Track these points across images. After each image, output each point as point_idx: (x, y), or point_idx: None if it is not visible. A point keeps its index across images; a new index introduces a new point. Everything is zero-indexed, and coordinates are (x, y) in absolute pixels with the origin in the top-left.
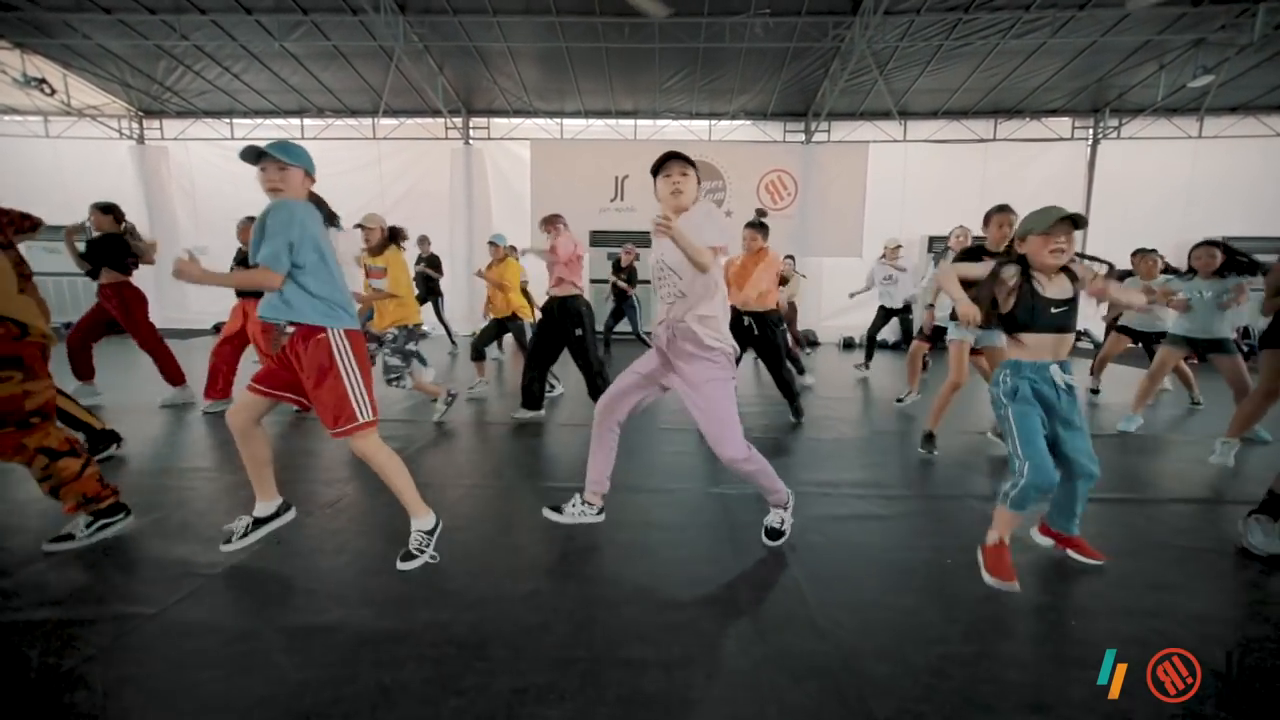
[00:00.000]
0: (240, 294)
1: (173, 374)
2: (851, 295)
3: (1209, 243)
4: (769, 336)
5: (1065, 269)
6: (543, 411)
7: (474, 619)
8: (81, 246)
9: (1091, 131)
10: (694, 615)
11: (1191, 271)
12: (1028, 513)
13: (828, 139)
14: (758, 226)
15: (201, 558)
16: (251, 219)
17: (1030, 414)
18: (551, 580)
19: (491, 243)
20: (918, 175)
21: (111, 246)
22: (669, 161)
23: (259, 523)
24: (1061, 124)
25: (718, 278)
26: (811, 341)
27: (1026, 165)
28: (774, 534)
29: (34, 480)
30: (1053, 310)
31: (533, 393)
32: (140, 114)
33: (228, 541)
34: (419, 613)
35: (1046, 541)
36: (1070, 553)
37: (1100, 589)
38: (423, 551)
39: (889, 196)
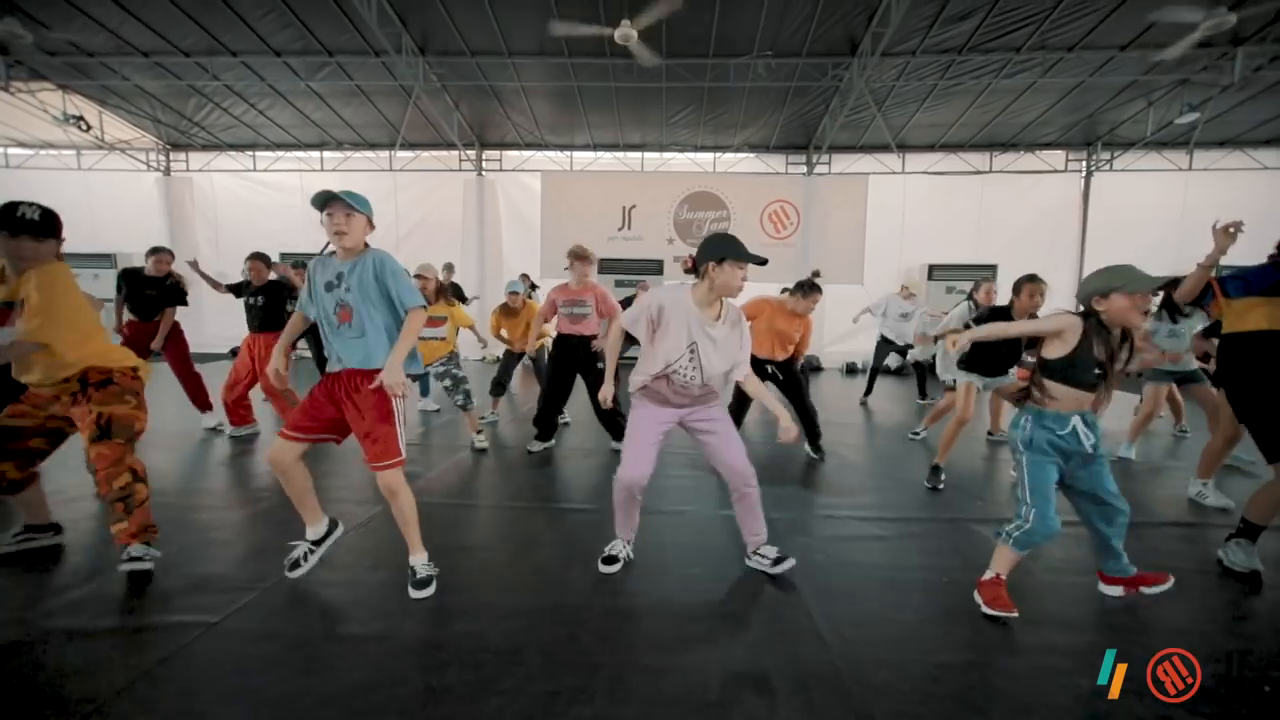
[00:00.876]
0: (258, 329)
1: (202, 401)
2: (855, 320)
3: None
4: (794, 374)
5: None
6: (554, 442)
7: (507, 629)
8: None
9: (1085, 164)
10: (709, 627)
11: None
12: (1026, 554)
13: (829, 171)
14: (813, 289)
15: (250, 573)
16: (259, 254)
17: (1045, 465)
18: (575, 595)
19: (513, 293)
20: (916, 206)
21: (172, 290)
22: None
23: (316, 544)
24: (1056, 156)
25: None
26: (814, 368)
27: (1022, 196)
28: (778, 561)
29: (102, 496)
30: (1095, 371)
31: (550, 425)
32: (168, 147)
33: (295, 567)
34: (455, 624)
35: (1115, 590)
36: (1142, 589)
37: (1089, 606)
38: (432, 579)
39: (888, 226)
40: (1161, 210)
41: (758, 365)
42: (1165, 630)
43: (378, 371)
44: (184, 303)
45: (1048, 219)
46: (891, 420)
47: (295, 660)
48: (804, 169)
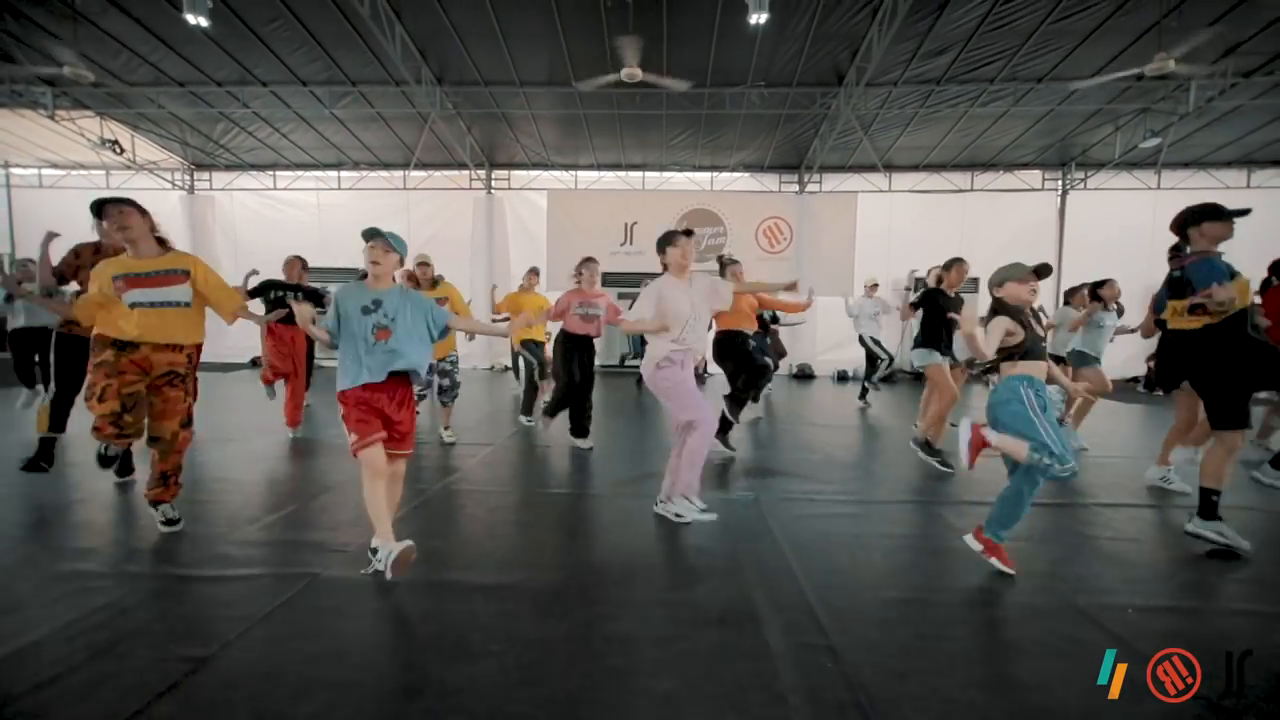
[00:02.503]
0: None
1: None
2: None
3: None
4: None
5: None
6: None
7: (550, 577)
8: None
9: (1060, 183)
10: (708, 576)
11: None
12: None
13: (819, 189)
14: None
15: (342, 537)
16: (298, 257)
17: (1032, 411)
18: (598, 554)
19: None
20: (902, 222)
21: None
22: (689, 236)
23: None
24: (1033, 176)
25: None
26: (807, 375)
27: (1002, 213)
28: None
29: (166, 470)
30: (1041, 344)
31: (584, 418)
32: (192, 167)
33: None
34: (511, 573)
35: (978, 546)
36: (994, 560)
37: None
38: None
39: (876, 241)
40: (1133, 227)
41: (736, 336)
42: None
43: (404, 386)
44: None
45: (1026, 235)
46: (880, 424)
47: (390, 600)
48: (796, 187)
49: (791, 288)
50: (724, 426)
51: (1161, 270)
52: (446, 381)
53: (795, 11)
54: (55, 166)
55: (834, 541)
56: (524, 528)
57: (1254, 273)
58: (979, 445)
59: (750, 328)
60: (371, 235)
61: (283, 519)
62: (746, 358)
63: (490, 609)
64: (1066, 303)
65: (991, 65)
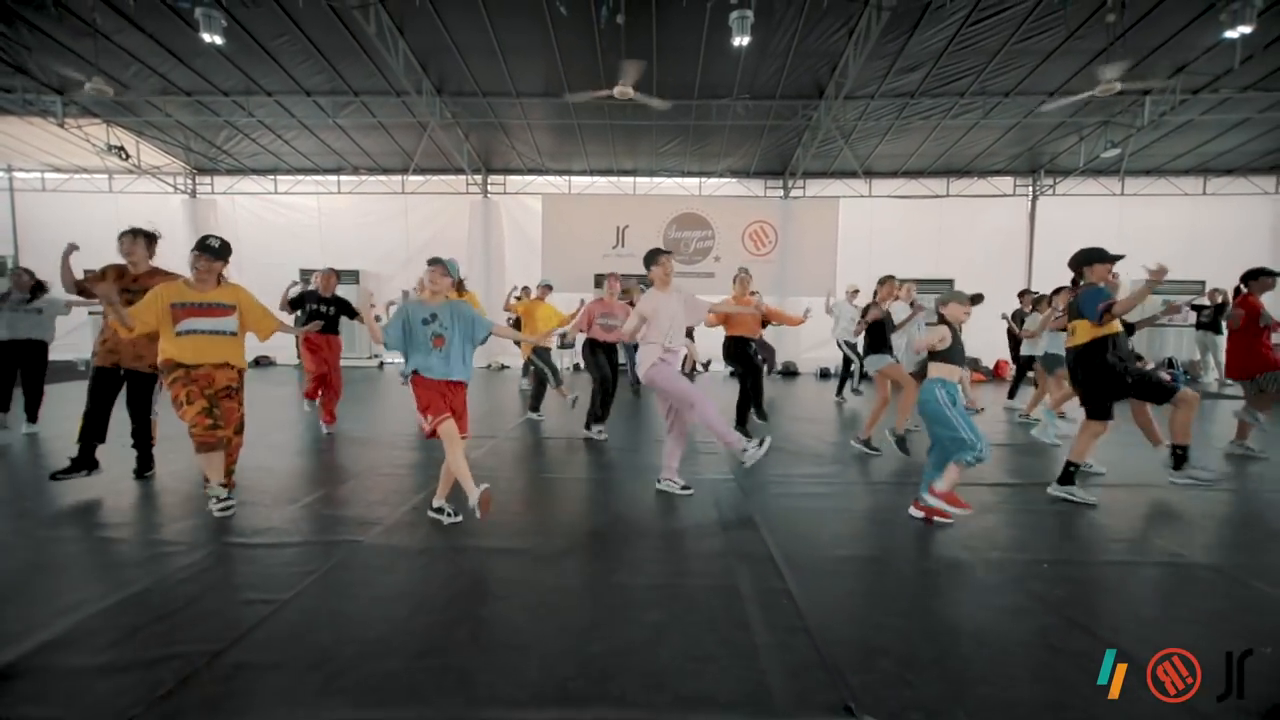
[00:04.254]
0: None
1: None
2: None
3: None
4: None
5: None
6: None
7: (558, 542)
8: None
9: (1031, 189)
10: (695, 542)
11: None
12: (974, 464)
13: (803, 194)
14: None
15: (377, 513)
16: (332, 270)
17: (954, 411)
18: (599, 523)
19: (546, 286)
20: (883, 226)
21: None
22: (668, 255)
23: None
24: (1005, 182)
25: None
26: (791, 372)
27: (976, 217)
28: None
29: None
30: (961, 353)
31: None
32: (194, 171)
33: (446, 515)
34: (522, 540)
35: (920, 514)
36: (936, 518)
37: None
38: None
39: (858, 243)
40: (1099, 230)
41: (744, 343)
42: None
43: (463, 383)
44: None
45: (999, 238)
46: (857, 418)
47: (424, 558)
48: (781, 193)
49: (803, 321)
50: (741, 419)
51: (1125, 273)
52: None
53: (776, 31)
54: (58, 170)
55: (802, 515)
56: (533, 505)
57: (1203, 274)
58: (933, 513)
59: (755, 334)
60: (435, 262)
61: (321, 499)
62: (749, 360)
63: (510, 566)
64: (1034, 310)
65: (962, 80)
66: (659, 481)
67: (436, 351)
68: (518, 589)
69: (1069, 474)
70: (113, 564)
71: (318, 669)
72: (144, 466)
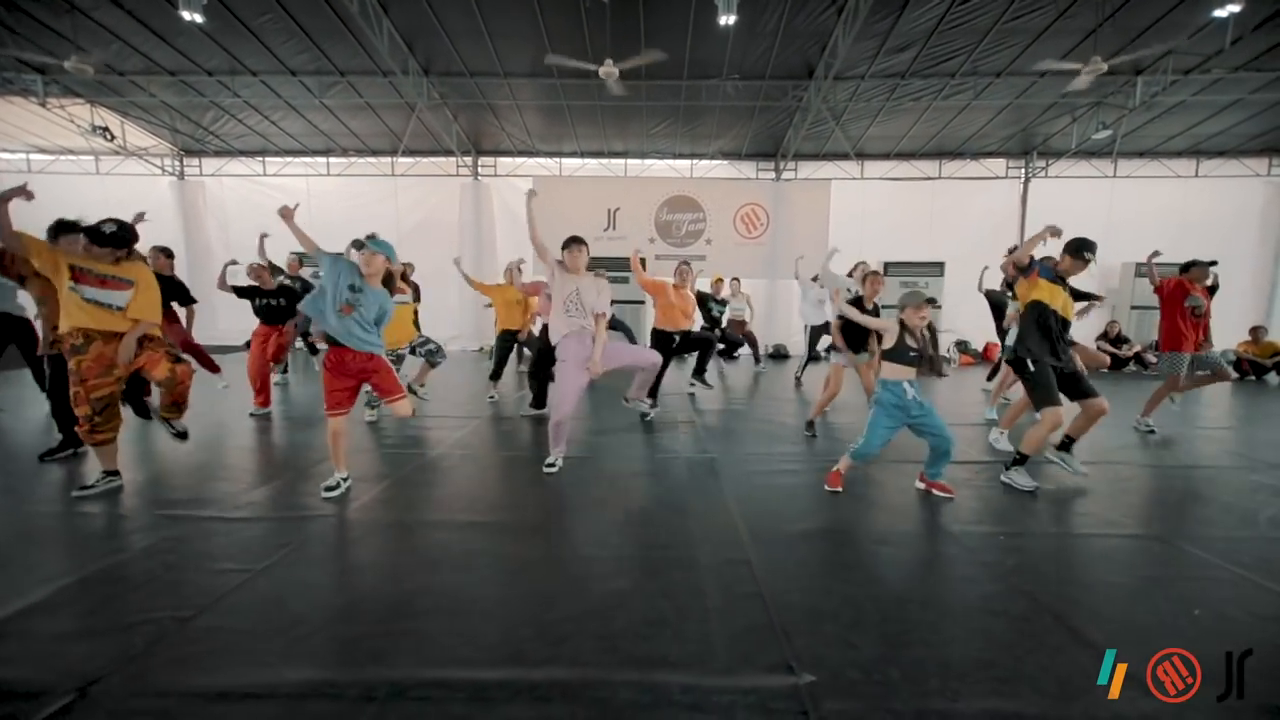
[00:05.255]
0: (266, 322)
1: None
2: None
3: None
4: (690, 336)
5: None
6: (546, 409)
7: (524, 518)
8: None
9: (1023, 171)
10: (663, 518)
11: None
12: (857, 464)
13: (795, 176)
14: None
15: (353, 490)
16: (261, 264)
17: (880, 413)
18: (566, 501)
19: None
20: (875, 208)
21: (170, 286)
22: (578, 242)
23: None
24: (997, 164)
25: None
26: (781, 355)
27: (969, 199)
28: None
29: (168, 395)
30: (911, 354)
31: (543, 395)
32: (182, 153)
33: (331, 489)
34: (488, 515)
35: (921, 485)
36: (934, 491)
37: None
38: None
39: (850, 226)
40: (1091, 212)
41: (668, 336)
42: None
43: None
44: (188, 298)
45: (992, 220)
46: (839, 400)
47: (394, 535)
48: (773, 175)
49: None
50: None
51: (1116, 254)
52: (421, 351)
53: (764, 11)
54: (43, 152)
55: (770, 491)
56: (508, 482)
57: (1194, 257)
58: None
59: (681, 327)
60: (362, 245)
61: (298, 475)
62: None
63: (478, 538)
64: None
65: (953, 60)
66: (625, 400)
67: (339, 316)
68: (485, 558)
69: (1023, 459)
70: (93, 536)
71: (284, 633)
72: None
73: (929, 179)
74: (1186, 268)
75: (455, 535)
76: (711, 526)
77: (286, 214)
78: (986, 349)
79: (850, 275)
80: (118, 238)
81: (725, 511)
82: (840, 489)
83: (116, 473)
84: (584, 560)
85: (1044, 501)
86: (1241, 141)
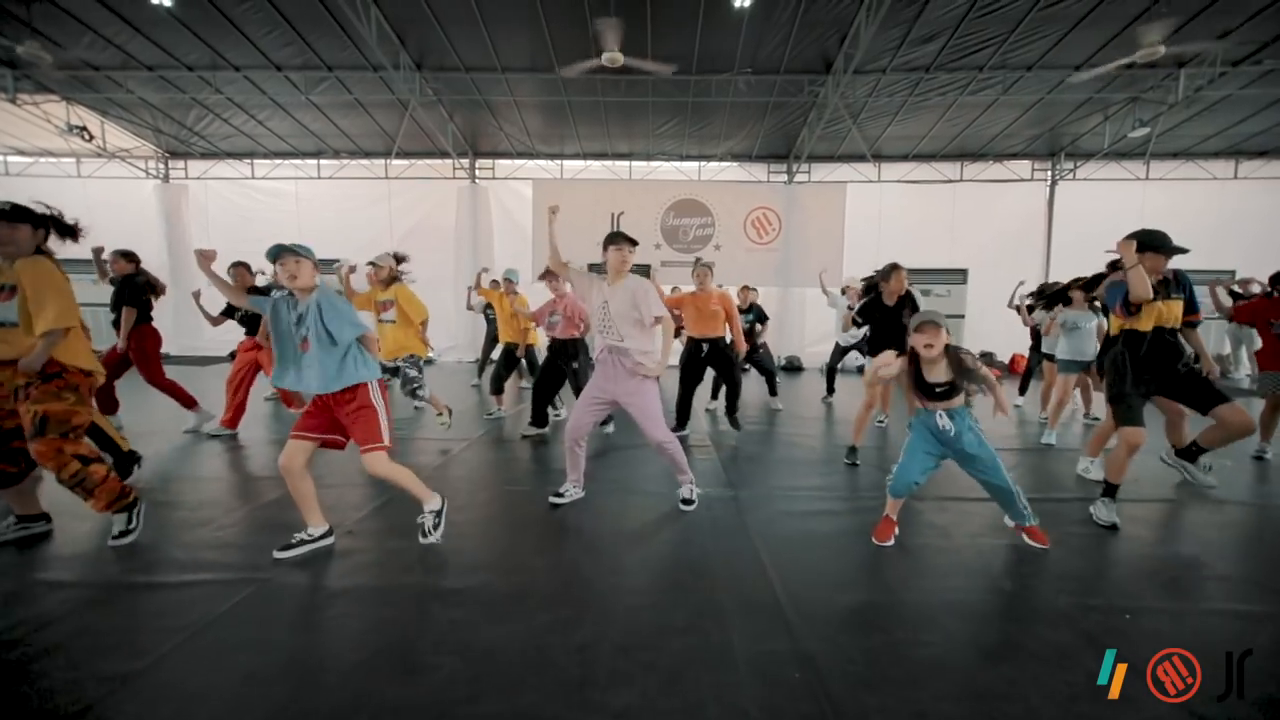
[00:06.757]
0: (251, 332)
1: (185, 401)
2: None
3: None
4: (723, 352)
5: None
6: (548, 429)
7: (512, 580)
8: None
9: (1050, 173)
10: (676, 577)
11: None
12: (901, 499)
13: (808, 179)
14: (699, 266)
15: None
16: (242, 263)
17: (915, 441)
18: (567, 555)
19: (508, 279)
20: (892, 213)
21: (130, 288)
22: (623, 240)
23: (309, 541)
24: (1022, 166)
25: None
26: (796, 367)
27: (992, 204)
28: (687, 501)
29: (63, 484)
30: (936, 389)
31: (542, 413)
32: (166, 155)
33: (286, 549)
34: (471, 576)
35: (1012, 525)
36: (1024, 538)
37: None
38: (437, 527)
39: (866, 232)
40: (1121, 217)
41: (694, 343)
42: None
43: (346, 390)
44: (139, 304)
45: (1016, 225)
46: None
47: (337, 607)
48: (785, 177)
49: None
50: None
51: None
52: (400, 379)
53: None
54: (22, 154)
55: (810, 540)
56: (491, 526)
57: (1233, 263)
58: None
59: (716, 334)
60: (276, 254)
61: (242, 519)
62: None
63: (446, 616)
64: (1033, 307)
65: (981, 52)
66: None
67: (304, 357)
68: (447, 652)
69: (1111, 490)
70: None
71: None
72: (119, 470)
73: (950, 181)
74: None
75: (415, 612)
76: (744, 594)
77: (205, 259)
78: (1013, 361)
79: (844, 293)
80: (21, 211)
81: (758, 571)
82: (891, 541)
83: (38, 517)
84: (581, 651)
85: (1150, 544)
86: None
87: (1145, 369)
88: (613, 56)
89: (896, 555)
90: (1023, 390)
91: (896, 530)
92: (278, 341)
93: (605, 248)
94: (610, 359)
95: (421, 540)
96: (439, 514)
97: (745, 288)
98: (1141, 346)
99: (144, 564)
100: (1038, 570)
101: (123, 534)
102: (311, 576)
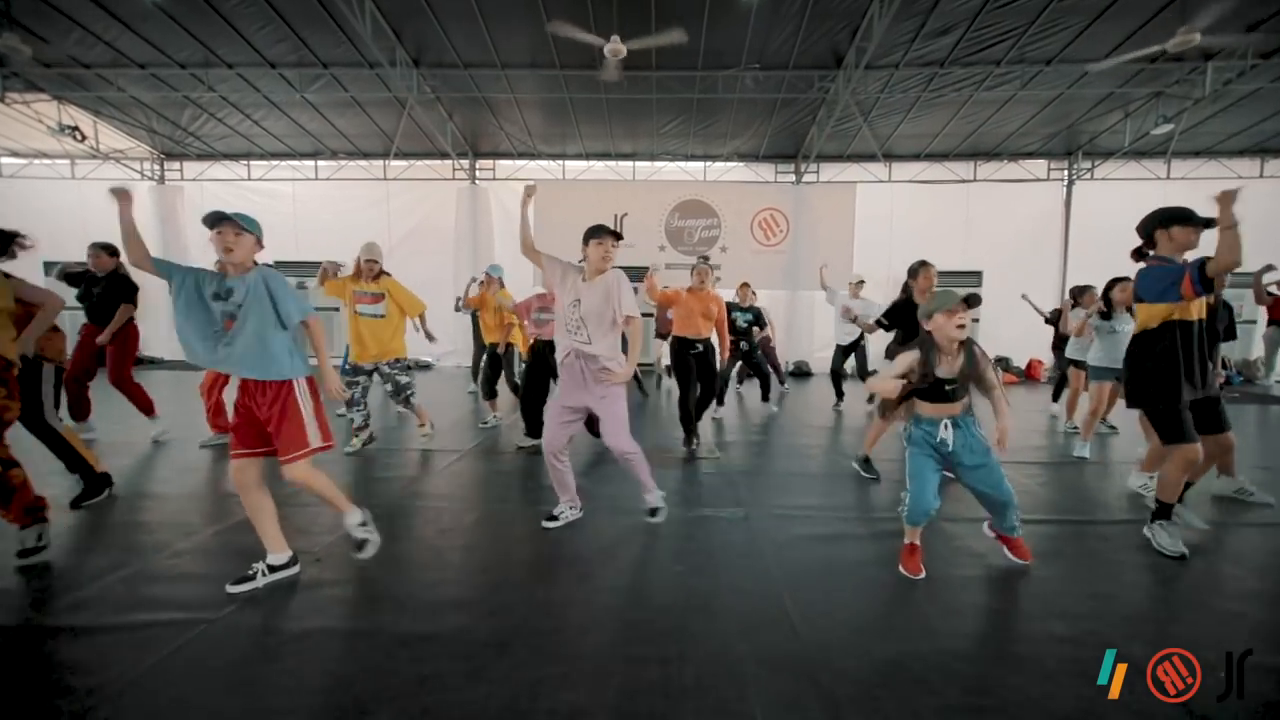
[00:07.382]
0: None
1: (145, 406)
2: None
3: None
4: (705, 357)
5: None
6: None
7: (495, 624)
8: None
9: (1066, 173)
10: (685, 619)
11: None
12: (921, 526)
13: (817, 179)
14: (701, 262)
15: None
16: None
17: (919, 456)
18: (559, 590)
19: (489, 274)
20: (904, 214)
21: (124, 284)
22: (606, 234)
23: (268, 572)
24: (1038, 166)
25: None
26: (804, 373)
27: (1007, 205)
28: (653, 511)
29: None
30: (945, 388)
31: (535, 423)
32: (162, 156)
33: (240, 582)
34: (448, 618)
35: (991, 534)
36: (1005, 549)
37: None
38: (368, 538)
39: (877, 234)
40: (1140, 216)
41: (687, 344)
42: (1165, 630)
43: (278, 382)
44: (134, 301)
45: (1032, 226)
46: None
47: (292, 654)
48: (793, 178)
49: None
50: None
51: None
52: (390, 386)
53: None
54: (15, 155)
55: (833, 570)
56: (475, 555)
57: (1260, 264)
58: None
59: (701, 334)
60: (216, 220)
61: (203, 543)
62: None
63: (414, 671)
64: (1075, 304)
65: (998, 46)
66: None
67: (217, 339)
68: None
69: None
70: None
71: None
72: (89, 492)
73: (963, 181)
74: None
75: (378, 662)
76: (764, 646)
77: (125, 200)
78: (1030, 366)
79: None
80: None
81: (778, 612)
82: (923, 574)
83: None
84: (568, 718)
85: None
86: None
87: (1196, 366)
88: (615, 48)
89: (932, 590)
90: (1056, 396)
91: (922, 557)
92: (187, 314)
93: (586, 241)
94: (576, 364)
95: (356, 556)
96: (365, 525)
97: (744, 285)
98: (1193, 339)
99: (70, 602)
100: (1100, 611)
101: (31, 551)
102: (265, 616)
